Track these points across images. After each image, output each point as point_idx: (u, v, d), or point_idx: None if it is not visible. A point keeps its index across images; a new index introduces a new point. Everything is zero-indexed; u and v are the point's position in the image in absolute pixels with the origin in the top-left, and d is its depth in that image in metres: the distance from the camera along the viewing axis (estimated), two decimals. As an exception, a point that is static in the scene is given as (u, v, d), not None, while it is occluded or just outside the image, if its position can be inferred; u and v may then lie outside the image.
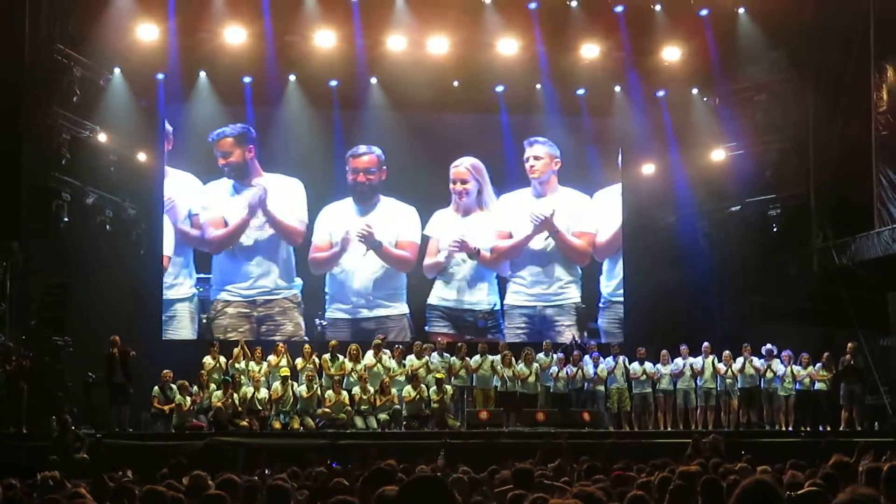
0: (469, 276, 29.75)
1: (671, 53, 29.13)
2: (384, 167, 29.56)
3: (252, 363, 24.64)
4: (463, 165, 29.85)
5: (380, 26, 27.76)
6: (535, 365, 25.25)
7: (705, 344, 25.81)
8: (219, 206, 29.06)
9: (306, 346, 25.37)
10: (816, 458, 14.87)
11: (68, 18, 25.72)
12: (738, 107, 29.61)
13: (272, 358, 24.79)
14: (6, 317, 23.42)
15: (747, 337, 26.01)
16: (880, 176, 25.95)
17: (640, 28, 28.41)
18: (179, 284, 28.73)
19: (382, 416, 23.97)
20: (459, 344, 26.20)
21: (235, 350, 24.90)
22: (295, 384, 24.11)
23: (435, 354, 25.46)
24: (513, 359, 25.22)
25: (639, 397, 25.73)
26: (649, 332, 28.27)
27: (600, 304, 30.43)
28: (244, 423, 23.39)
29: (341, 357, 24.85)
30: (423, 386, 24.35)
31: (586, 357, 25.76)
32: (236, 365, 24.57)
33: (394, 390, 24.37)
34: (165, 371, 23.96)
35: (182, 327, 28.62)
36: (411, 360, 25.18)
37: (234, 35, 27.29)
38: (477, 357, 25.30)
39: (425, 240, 29.63)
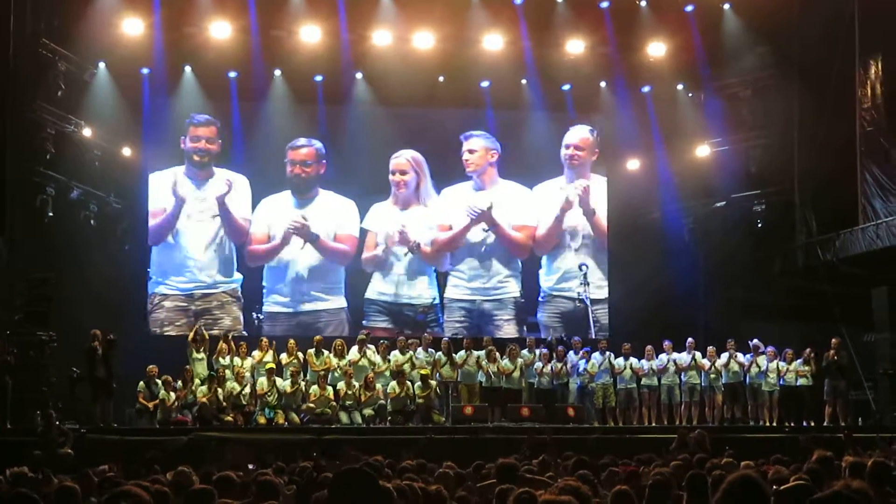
0: (408, 270, 29.50)
1: (656, 49, 29.18)
2: (323, 160, 29.39)
3: (237, 358, 24.63)
4: (403, 157, 29.65)
5: (365, 21, 27.77)
6: (520, 360, 25.25)
7: (689, 339, 25.85)
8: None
9: (290, 341, 25.27)
10: (798, 455, 14.93)
11: (53, 13, 25.65)
12: (723, 102, 29.68)
13: (257, 353, 24.76)
14: (-10, 311, 23.39)
15: (731, 332, 26.04)
16: (865, 172, 26.04)
17: (625, 24, 28.46)
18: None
19: (367, 411, 23.94)
20: (444, 339, 26.19)
21: (220, 345, 24.87)
22: (279, 379, 24.09)
23: (420, 350, 25.46)
24: (497, 354, 25.23)
25: (623, 392, 25.75)
26: (634, 327, 28.31)
27: (539, 299, 30.20)
28: (229, 418, 23.37)
29: (326, 352, 24.82)
30: (407, 382, 24.35)
31: (570, 353, 25.83)
32: (220, 360, 24.55)
33: (378, 385, 24.36)
34: (151, 366, 23.91)
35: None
36: (395, 355, 25.18)
37: (220, 30, 27.27)
38: (462, 352, 25.30)
39: (364, 233, 29.43)
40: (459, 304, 29.83)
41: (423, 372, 24.56)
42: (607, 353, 25.88)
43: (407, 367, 24.75)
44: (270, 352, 24.81)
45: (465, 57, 28.70)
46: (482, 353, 25.31)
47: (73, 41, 25.83)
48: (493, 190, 29.99)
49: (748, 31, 28.19)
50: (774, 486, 7.24)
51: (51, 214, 25.19)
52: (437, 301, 29.67)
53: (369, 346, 25.26)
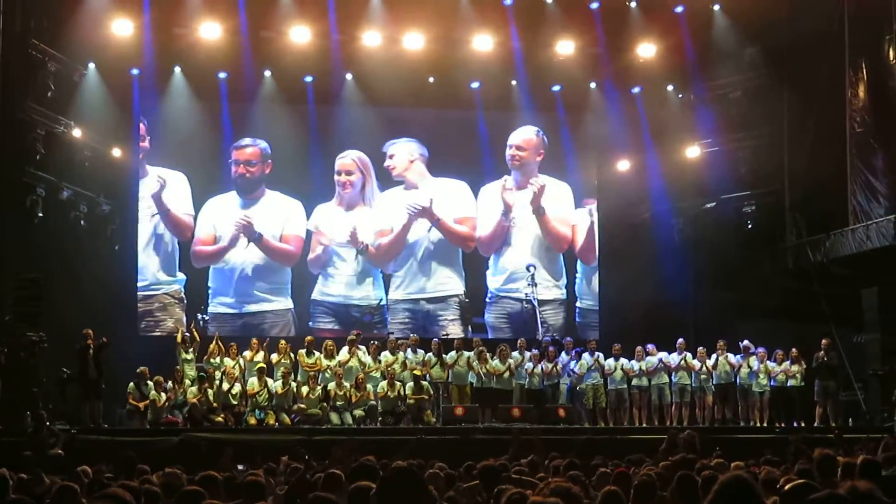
0: (354, 271, 29.34)
1: (646, 50, 29.17)
2: (268, 160, 29.30)
3: (227, 359, 24.60)
4: (349, 157, 29.57)
5: (355, 22, 27.70)
6: (511, 361, 25.24)
7: (680, 340, 25.90)
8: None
9: (282, 341, 25.26)
10: (788, 456, 14.95)
11: (43, 13, 25.58)
12: (713, 104, 29.68)
13: (247, 353, 24.75)
14: (-20, 313, 23.32)
15: (722, 333, 26.07)
16: (855, 173, 26.06)
17: (615, 25, 28.44)
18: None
19: (358, 411, 23.95)
20: (434, 340, 26.18)
21: (210, 345, 24.86)
22: (270, 380, 24.07)
23: (409, 351, 25.44)
24: (488, 355, 25.22)
25: (614, 393, 25.78)
26: (624, 328, 28.33)
27: (487, 299, 30.14)
28: (219, 418, 23.36)
29: (317, 353, 24.81)
30: (398, 382, 24.34)
31: (563, 354, 25.84)
32: (211, 360, 24.53)
33: (369, 386, 24.36)
34: (142, 367, 23.89)
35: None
36: (386, 356, 25.16)
37: (210, 30, 27.21)
38: (452, 353, 25.29)
39: (310, 234, 29.32)
40: (403, 304, 29.66)
41: (416, 373, 24.55)
42: (596, 353, 25.91)
43: (397, 367, 24.75)
44: (261, 352, 24.79)
45: (454, 58, 28.65)
46: (472, 353, 25.31)
47: (62, 42, 25.74)
48: (425, 188, 29.83)
49: (738, 32, 28.18)
50: (779, 486, 7.24)
51: (41, 215, 25.11)
52: (383, 302, 29.50)
53: (360, 346, 25.24)
